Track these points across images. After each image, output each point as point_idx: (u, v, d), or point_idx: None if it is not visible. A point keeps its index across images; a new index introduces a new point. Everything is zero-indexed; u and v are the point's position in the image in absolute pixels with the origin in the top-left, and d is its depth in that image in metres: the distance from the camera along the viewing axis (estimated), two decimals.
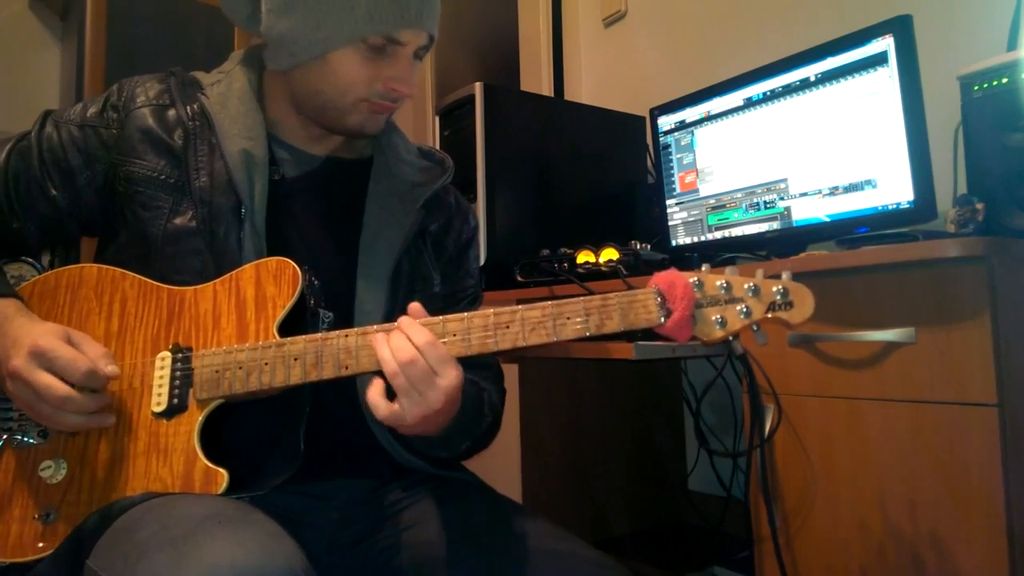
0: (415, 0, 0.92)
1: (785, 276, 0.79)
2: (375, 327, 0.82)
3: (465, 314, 0.80)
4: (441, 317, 0.81)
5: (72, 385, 0.81)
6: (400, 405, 0.78)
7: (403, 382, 0.77)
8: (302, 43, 0.94)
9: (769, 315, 0.78)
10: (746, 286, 0.78)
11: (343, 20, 0.92)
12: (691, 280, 0.79)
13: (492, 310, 0.81)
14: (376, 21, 0.91)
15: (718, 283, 0.79)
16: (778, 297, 0.78)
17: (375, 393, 0.79)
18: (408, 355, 0.77)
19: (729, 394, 1.82)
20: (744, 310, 0.78)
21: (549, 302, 0.80)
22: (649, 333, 0.80)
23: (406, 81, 0.97)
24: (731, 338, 0.80)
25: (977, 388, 1.00)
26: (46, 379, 0.79)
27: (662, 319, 0.78)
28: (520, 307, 0.80)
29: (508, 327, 0.79)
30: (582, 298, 0.79)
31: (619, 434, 1.88)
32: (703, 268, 0.81)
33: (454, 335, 0.80)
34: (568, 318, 0.79)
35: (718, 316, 0.78)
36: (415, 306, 0.83)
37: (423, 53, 0.99)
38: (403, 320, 0.80)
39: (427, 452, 0.96)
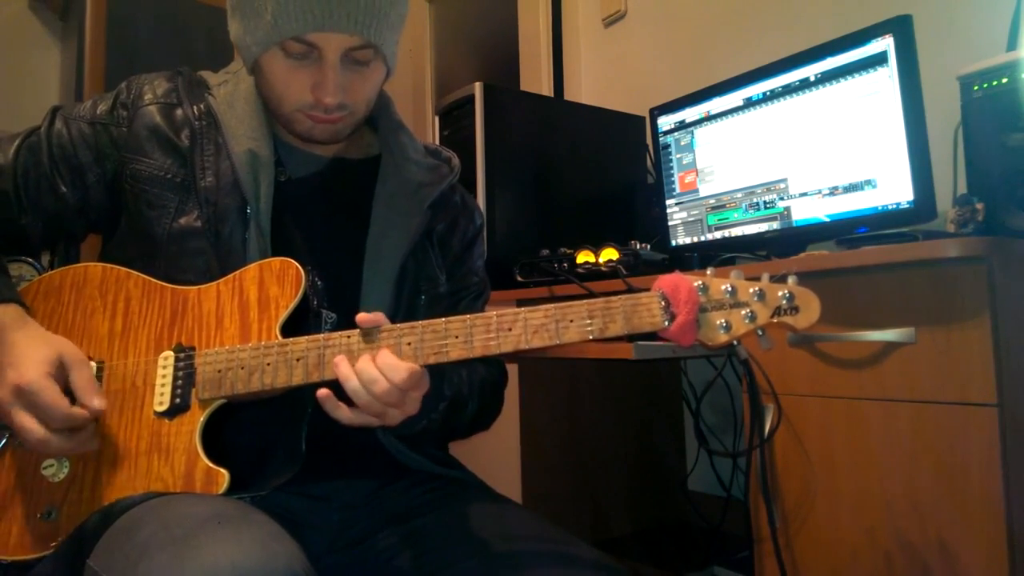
0: (326, 1, 0.87)
1: (791, 281, 0.78)
2: (378, 330, 0.82)
3: (467, 316, 0.80)
4: (443, 319, 0.81)
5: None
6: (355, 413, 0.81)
7: (365, 401, 0.79)
8: (242, 48, 0.96)
9: (775, 320, 0.77)
10: (751, 290, 0.77)
11: (259, 25, 0.91)
12: (696, 284, 0.78)
13: (495, 312, 0.80)
14: (283, 24, 0.89)
15: (723, 287, 0.78)
16: (784, 302, 0.77)
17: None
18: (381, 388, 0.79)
19: (729, 394, 1.82)
20: (749, 315, 0.77)
21: (552, 305, 0.79)
22: (651, 334, 0.80)
23: (325, 88, 0.92)
24: (735, 343, 0.79)
25: (977, 388, 1.01)
26: (24, 422, 0.79)
27: (666, 323, 0.77)
28: (523, 309, 0.79)
29: (511, 329, 0.79)
30: (585, 301, 0.79)
31: (619, 434, 1.88)
32: (708, 271, 0.80)
33: (456, 337, 0.80)
34: (571, 321, 0.78)
35: (723, 320, 0.77)
36: (364, 317, 0.81)
37: (364, 59, 0.94)
38: (381, 357, 0.80)
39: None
